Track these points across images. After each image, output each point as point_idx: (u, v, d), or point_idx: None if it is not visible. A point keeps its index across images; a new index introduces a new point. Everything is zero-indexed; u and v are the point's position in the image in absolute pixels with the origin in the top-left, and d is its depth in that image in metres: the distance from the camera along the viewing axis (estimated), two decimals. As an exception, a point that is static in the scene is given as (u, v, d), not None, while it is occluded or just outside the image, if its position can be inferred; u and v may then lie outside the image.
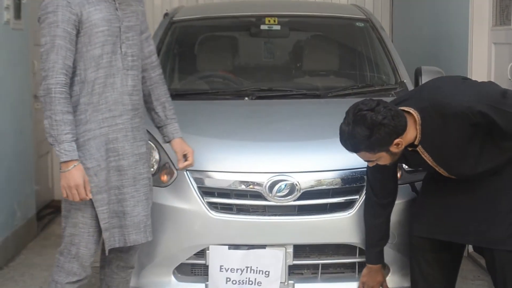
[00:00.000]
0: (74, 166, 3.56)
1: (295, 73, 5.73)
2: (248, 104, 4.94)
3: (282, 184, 4.15)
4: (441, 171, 3.73)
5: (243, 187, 4.19)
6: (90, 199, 3.64)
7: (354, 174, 4.19)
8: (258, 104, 4.95)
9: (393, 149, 3.55)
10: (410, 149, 3.66)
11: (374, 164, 3.69)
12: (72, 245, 3.70)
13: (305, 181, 4.17)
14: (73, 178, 3.56)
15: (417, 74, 5.16)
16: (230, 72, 5.57)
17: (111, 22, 3.66)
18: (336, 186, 4.20)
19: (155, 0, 8.73)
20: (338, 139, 4.33)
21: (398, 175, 4.24)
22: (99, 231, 3.71)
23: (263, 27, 5.66)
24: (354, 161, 4.16)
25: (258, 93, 5.03)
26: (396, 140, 3.52)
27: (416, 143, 3.62)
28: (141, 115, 3.84)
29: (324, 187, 4.19)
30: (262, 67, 5.89)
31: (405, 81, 5.15)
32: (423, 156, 3.67)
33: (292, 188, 4.15)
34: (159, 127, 4.04)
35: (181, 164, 4.01)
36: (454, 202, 3.83)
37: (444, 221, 3.85)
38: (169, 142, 4.04)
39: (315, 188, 4.19)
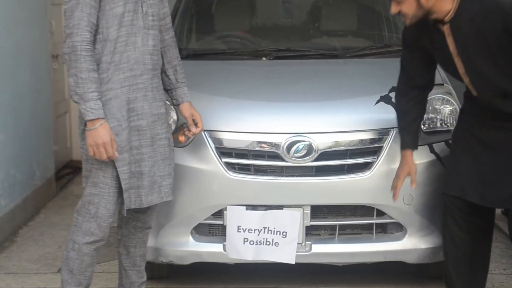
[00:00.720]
0: (101, 124, 3.55)
1: (313, 33, 5.68)
2: (265, 65, 4.92)
3: (299, 145, 4.15)
4: (459, 65, 3.61)
5: (260, 147, 4.19)
6: (111, 159, 3.65)
7: (372, 135, 4.18)
8: (276, 64, 4.93)
9: None
10: (438, 25, 3.59)
11: (397, 9, 3.58)
12: (91, 204, 3.71)
13: (323, 142, 4.17)
14: (100, 136, 3.55)
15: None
16: (248, 32, 5.54)
17: None
18: (354, 147, 4.19)
19: (172, -41, 8.67)
20: (356, 100, 4.34)
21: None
22: (119, 191, 3.72)
23: (281, -14, 5.63)
24: (372, 122, 4.19)
25: (276, 53, 5.00)
26: None
27: (446, 19, 3.55)
28: (159, 75, 3.85)
29: (341, 148, 4.19)
30: (280, 27, 5.85)
31: (424, 41, 5.10)
32: (447, 39, 3.58)
33: (310, 149, 4.15)
34: (168, 90, 4.03)
35: (194, 129, 4.01)
36: (488, 160, 3.72)
37: (476, 180, 3.75)
38: (177, 105, 4.04)
39: (333, 149, 4.18)
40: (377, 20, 5.61)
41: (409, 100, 3.95)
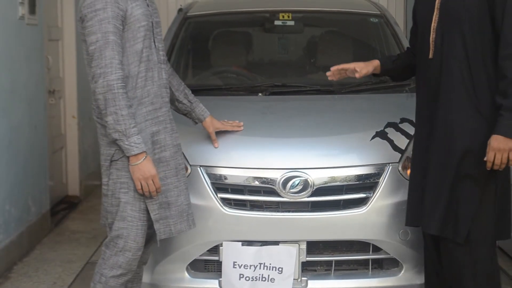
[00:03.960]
0: (145, 157, 3.63)
1: (309, 68, 5.71)
2: (261, 100, 4.93)
3: (295, 180, 4.15)
4: (435, 18, 3.78)
5: (256, 183, 4.19)
6: (139, 193, 3.71)
7: (367, 170, 4.19)
8: (272, 100, 4.94)
9: None
10: None
11: None
12: (120, 238, 3.74)
13: (319, 178, 4.16)
14: (148, 169, 3.64)
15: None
16: (244, 67, 5.57)
17: (147, 17, 3.74)
18: (350, 183, 4.19)
19: (169, -5, 8.76)
20: (352, 135, 4.34)
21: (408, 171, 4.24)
22: (146, 224, 3.77)
23: (277, 22, 5.65)
24: (368, 157, 4.19)
25: (272, 89, 5.02)
26: None
27: None
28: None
29: (337, 183, 4.19)
30: (276, 62, 5.88)
31: (419, 77, 5.12)
32: None
33: (306, 184, 4.15)
34: (186, 114, 4.19)
35: (217, 144, 4.24)
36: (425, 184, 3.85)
37: (419, 205, 3.89)
38: (201, 123, 4.22)
39: (329, 184, 4.18)
40: (372, 55, 5.64)
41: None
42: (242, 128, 4.32)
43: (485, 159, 3.67)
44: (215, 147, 4.25)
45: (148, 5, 3.79)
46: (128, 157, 3.65)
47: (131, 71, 3.68)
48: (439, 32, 3.79)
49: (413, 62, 4.08)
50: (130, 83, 3.69)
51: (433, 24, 3.81)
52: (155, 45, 3.80)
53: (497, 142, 3.63)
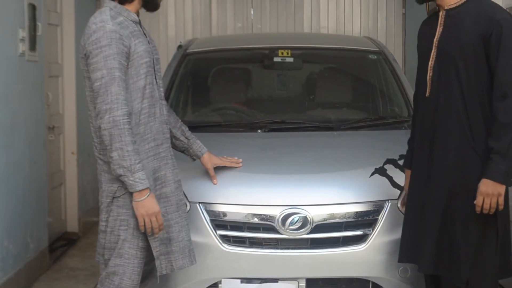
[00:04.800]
0: (149, 194, 3.63)
1: (308, 105, 5.73)
2: (261, 137, 4.94)
3: (294, 217, 4.14)
4: (433, 56, 3.80)
5: (255, 220, 4.18)
6: (139, 231, 3.71)
7: (367, 207, 4.18)
8: (271, 136, 4.95)
9: None
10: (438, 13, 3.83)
11: None
12: (115, 275, 3.73)
13: (318, 214, 4.16)
14: (151, 206, 3.64)
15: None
16: (243, 104, 5.58)
17: (149, 53, 3.76)
18: (349, 219, 4.18)
19: (169, 32, 8.82)
20: (351, 172, 4.34)
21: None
22: (143, 262, 3.76)
23: (276, 59, 5.68)
24: (367, 194, 4.18)
25: (271, 126, 5.03)
26: None
27: (446, 7, 3.77)
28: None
29: (337, 220, 4.18)
30: (275, 99, 5.90)
31: (418, 113, 5.13)
32: (438, 29, 3.80)
33: (305, 221, 4.14)
34: (183, 151, 4.19)
35: (216, 181, 4.23)
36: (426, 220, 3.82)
37: (416, 244, 3.86)
38: (199, 159, 4.21)
39: (328, 221, 4.17)
40: (371, 92, 5.66)
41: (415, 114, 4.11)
42: (241, 164, 4.32)
43: (475, 202, 3.65)
44: (214, 184, 4.24)
45: (149, 42, 3.81)
46: (131, 194, 3.64)
47: (134, 108, 3.69)
48: (436, 70, 3.80)
49: None
50: (134, 119, 3.69)
51: (431, 62, 3.82)
52: (156, 82, 3.82)
53: (485, 186, 3.61)
